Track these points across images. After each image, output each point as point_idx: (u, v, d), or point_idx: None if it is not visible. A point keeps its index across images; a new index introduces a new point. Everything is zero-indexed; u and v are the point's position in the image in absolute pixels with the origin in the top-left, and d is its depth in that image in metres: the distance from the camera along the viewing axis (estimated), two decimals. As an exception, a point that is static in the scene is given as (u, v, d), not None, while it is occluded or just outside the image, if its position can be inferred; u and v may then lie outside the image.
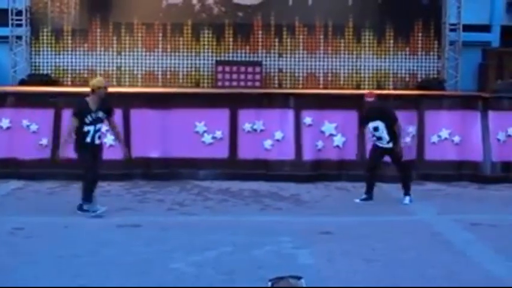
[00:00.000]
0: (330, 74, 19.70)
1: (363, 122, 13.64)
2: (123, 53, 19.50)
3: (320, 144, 15.70)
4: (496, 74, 18.72)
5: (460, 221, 12.13)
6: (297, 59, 19.66)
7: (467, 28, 19.50)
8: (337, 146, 15.70)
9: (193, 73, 19.56)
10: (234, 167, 15.68)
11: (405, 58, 19.73)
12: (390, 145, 13.37)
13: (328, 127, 15.68)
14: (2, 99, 15.81)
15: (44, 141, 15.55)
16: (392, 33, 19.66)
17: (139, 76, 19.39)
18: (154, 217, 12.12)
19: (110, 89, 15.37)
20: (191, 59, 19.57)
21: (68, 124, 12.25)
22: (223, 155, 15.77)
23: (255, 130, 15.78)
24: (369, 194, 13.61)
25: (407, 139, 15.80)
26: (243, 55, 19.62)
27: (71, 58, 19.44)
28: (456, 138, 15.97)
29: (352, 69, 19.71)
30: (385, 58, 19.71)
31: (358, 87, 19.43)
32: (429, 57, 19.79)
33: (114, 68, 19.46)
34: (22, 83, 18.49)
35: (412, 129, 15.88)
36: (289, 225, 11.62)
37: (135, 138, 15.57)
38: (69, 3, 19.41)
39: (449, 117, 16.05)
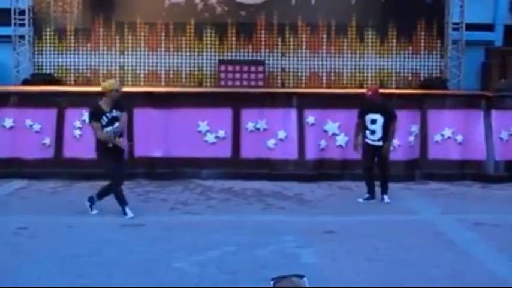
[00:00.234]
0: (332, 73, 19.69)
1: (363, 114, 13.54)
2: (125, 53, 19.51)
3: (323, 143, 15.69)
4: (499, 73, 18.72)
5: (464, 221, 12.11)
6: (299, 58, 19.66)
7: (470, 27, 19.48)
8: (340, 146, 15.68)
9: (196, 72, 19.57)
10: (237, 166, 15.68)
11: (408, 57, 19.72)
12: (381, 143, 13.35)
13: (331, 126, 15.67)
14: (5, 98, 15.81)
15: (47, 141, 15.55)
16: (395, 32, 19.65)
17: (142, 75, 19.39)
18: (157, 217, 12.12)
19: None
20: (194, 59, 19.58)
21: (95, 132, 12.15)
22: (226, 154, 15.77)
23: (258, 129, 15.78)
24: (371, 194, 13.61)
25: (411, 138, 15.80)
26: (246, 54, 19.62)
27: (74, 57, 19.45)
28: (459, 137, 15.96)
29: (355, 68, 19.71)
30: (388, 57, 19.70)
31: (361, 86, 19.40)
32: (432, 56, 19.78)
33: (117, 68, 19.47)
34: (25, 82, 18.51)
35: (415, 129, 15.87)
36: (292, 225, 11.61)
37: (138, 137, 15.56)
38: (71, 3, 19.42)
39: (452, 116, 16.04)
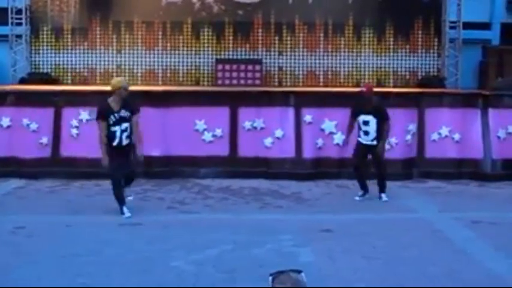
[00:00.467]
0: (330, 72, 19.71)
1: (355, 114, 13.51)
2: (123, 52, 19.51)
3: (320, 142, 15.69)
4: (496, 71, 18.75)
5: (461, 219, 12.13)
6: (297, 57, 19.68)
7: (468, 26, 19.52)
8: (337, 144, 15.66)
9: (193, 71, 19.58)
10: (235, 165, 15.68)
11: (405, 56, 19.75)
12: (375, 142, 13.34)
13: (328, 125, 15.66)
14: (2, 98, 15.79)
15: (44, 140, 15.54)
16: (392, 31, 19.68)
17: (139, 74, 19.40)
18: (155, 216, 12.12)
19: (109, 88, 15.40)
20: (191, 57, 19.59)
21: (98, 131, 12.13)
22: (223, 153, 15.76)
23: (255, 128, 15.78)
24: (365, 189, 13.61)
25: (408, 137, 15.81)
26: (243, 53, 19.63)
27: (71, 57, 19.45)
28: (456, 136, 15.97)
29: (352, 67, 19.73)
30: (385, 56, 19.72)
31: (358, 85, 19.38)
32: (429, 55, 19.80)
33: (114, 67, 19.47)
34: (22, 81, 18.50)
35: (412, 127, 15.88)
36: (289, 223, 11.62)
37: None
38: (69, 2, 19.43)
39: (449, 114, 16.05)
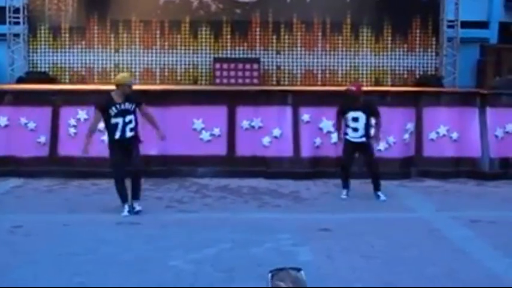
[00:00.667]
0: (328, 71, 19.73)
1: (343, 111, 13.47)
2: (120, 51, 19.52)
3: (318, 141, 15.68)
4: (494, 70, 18.77)
5: (459, 218, 12.12)
6: (295, 56, 19.70)
7: (465, 25, 19.54)
8: (335, 143, 15.64)
9: (191, 70, 19.59)
10: (233, 164, 15.67)
11: (403, 55, 19.78)
12: (364, 139, 13.35)
13: (326, 124, 15.64)
14: (0, 97, 15.77)
15: (42, 139, 15.52)
16: (390, 30, 19.70)
17: (137, 73, 19.41)
18: (153, 215, 12.09)
19: (107, 87, 15.42)
20: (189, 56, 19.60)
21: (91, 120, 12.12)
22: (221, 152, 15.75)
23: (253, 127, 15.77)
24: (348, 187, 13.59)
25: (406, 136, 15.81)
26: (241, 52, 19.65)
27: (69, 56, 19.46)
28: (454, 135, 15.96)
29: (350, 66, 19.75)
30: (383, 55, 19.75)
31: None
32: (427, 53, 19.83)
33: (112, 66, 19.48)
34: (20, 80, 18.51)
35: (410, 126, 15.88)
36: (288, 222, 11.61)
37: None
38: (66, 1, 19.45)
39: (447, 113, 16.04)
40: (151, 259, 9.43)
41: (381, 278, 8.78)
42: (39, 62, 19.43)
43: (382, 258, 9.65)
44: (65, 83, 19.16)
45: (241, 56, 19.58)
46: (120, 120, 11.71)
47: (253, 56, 19.58)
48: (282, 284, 4.34)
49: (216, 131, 15.71)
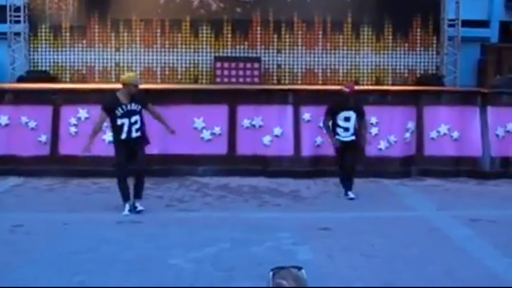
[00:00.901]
0: (328, 70, 19.72)
1: (335, 111, 13.44)
2: (121, 50, 19.52)
3: (319, 140, 15.67)
4: (495, 69, 18.77)
5: (459, 217, 12.11)
6: (295, 55, 19.69)
7: (466, 24, 19.53)
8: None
9: (191, 69, 19.58)
10: (233, 163, 15.67)
11: (404, 54, 19.76)
12: (353, 137, 13.36)
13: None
14: (1, 96, 15.76)
15: (43, 138, 15.52)
16: (391, 29, 19.69)
17: (138, 72, 19.37)
18: (153, 213, 12.09)
19: (109, 86, 15.45)
20: (190, 55, 19.60)
21: (93, 119, 12.15)
22: (222, 151, 15.75)
23: (254, 126, 15.77)
24: (348, 190, 13.58)
25: (407, 134, 15.81)
26: (242, 51, 19.64)
27: (69, 55, 19.46)
28: (455, 134, 15.96)
29: (351, 65, 19.74)
30: (383, 54, 19.74)
31: (357, 83, 19.42)
32: (428, 52, 19.82)
33: (113, 65, 19.48)
34: (20, 79, 18.50)
35: (411, 125, 15.87)
36: (288, 221, 11.61)
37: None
38: (67, 0, 19.43)
39: (448, 112, 16.04)
40: (152, 258, 9.43)
41: (381, 276, 8.77)
42: (39, 60, 19.43)
43: (383, 257, 9.64)
44: (65, 82, 19.16)
45: (242, 55, 19.57)
46: (126, 121, 11.71)
47: (254, 55, 19.57)
48: (284, 282, 4.35)
49: (217, 130, 15.71)
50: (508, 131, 15.95)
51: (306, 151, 15.75)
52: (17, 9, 18.98)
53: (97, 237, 10.47)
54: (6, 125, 15.54)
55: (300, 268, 4.48)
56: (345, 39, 19.72)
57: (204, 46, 19.59)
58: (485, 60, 19.56)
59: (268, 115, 15.77)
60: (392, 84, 19.36)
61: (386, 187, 14.53)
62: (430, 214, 12.52)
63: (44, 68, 19.36)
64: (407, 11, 19.56)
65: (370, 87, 18.29)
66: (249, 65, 19.21)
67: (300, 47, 19.72)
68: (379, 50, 19.75)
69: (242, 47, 19.67)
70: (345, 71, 19.73)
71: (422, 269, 9.12)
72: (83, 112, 15.42)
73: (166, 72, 19.57)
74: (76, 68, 19.47)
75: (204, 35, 19.58)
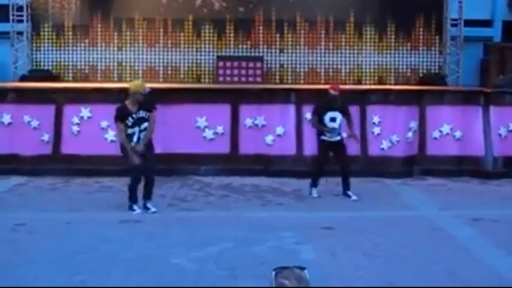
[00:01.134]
0: (331, 70, 19.73)
1: (321, 112, 13.42)
2: (124, 49, 19.53)
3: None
4: (498, 69, 18.75)
5: (462, 217, 12.10)
6: (298, 55, 19.69)
7: (469, 23, 19.52)
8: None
9: (194, 68, 19.59)
10: (236, 163, 15.66)
11: (407, 53, 19.76)
12: (339, 138, 13.37)
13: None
14: (3, 95, 15.78)
15: (45, 137, 15.53)
16: (393, 28, 19.69)
17: (140, 71, 19.41)
18: (155, 213, 12.09)
19: (111, 85, 15.46)
20: (192, 55, 19.60)
21: (117, 133, 12.29)
22: (224, 150, 15.75)
23: (256, 125, 15.76)
24: (316, 186, 13.59)
25: (409, 134, 15.79)
26: (244, 50, 19.64)
27: (72, 54, 19.47)
28: (458, 134, 15.95)
29: (354, 64, 19.74)
30: (386, 53, 19.73)
31: (359, 82, 19.46)
32: (431, 52, 19.81)
33: (115, 64, 19.49)
34: (23, 78, 18.51)
35: (413, 125, 15.86)
36: (291, 221, 11.60)
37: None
38: (69, -1, 19.44)
39: (450, 112, 16.03)
40: (154, 257, 9.43)
41: (383, 276, 8.77)
42: (42, 60, 19.44)
43: (385, 257, 9.64)
44: (68, 81, 19.18)
45: (244, 54, 19.58)
46: (136, 129, 11.90)
47: (257, 54, 19.57)
48: (286, 282, 4.35)
49: (219, 129, 15.71)
50: (510, 131, 15.93)
51: (309, 150, 15.71)
52: (20, 8, 18.99)
53: (99, 237, 10.46)
54: (9, 124, 15.55)
55: (303, 268, 4.48)
56: (348, 38, 19.72)
57: (207, 45, 19.59)
58: (488, 59, 19.54)
59: (271, 114, 15.76)
60: (395, 84, 19.35)
61: (389, 187, 14.51)
62: (433, 214, 12.51)
63: (46, 67, 19.38)
64: (410, 11, 19.56)
65: (373, 87, 18.28)
66: (251, 65, 19.22)
67: (302, 47, 19.71)
68: (381, 49, 19.74)
69: (244, 46, 19.67)
70: (347, 70, 19.72)
71: (425, 268, 9.11)
72: (85, 111, 15.42)
73: (169, 72, 19.58)
74: (78, 67, 19.48)
75: (207, 34, 19.59)
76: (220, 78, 19.07)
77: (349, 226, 11.32)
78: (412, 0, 19.68)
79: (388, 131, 15.74)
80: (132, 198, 12.09)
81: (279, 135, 15.71)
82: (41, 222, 11.33)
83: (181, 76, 19.61)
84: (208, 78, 19.55)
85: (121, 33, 19.51)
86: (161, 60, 19.59)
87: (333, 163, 14.73)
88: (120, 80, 19.08)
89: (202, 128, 15.69)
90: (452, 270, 9.03)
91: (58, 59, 19.46)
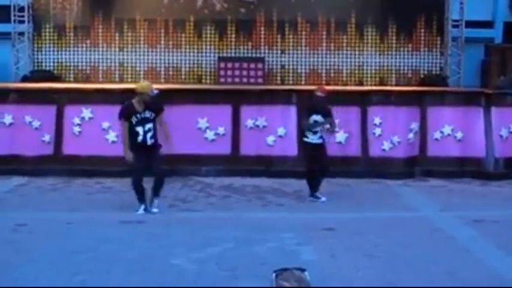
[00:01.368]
0: (332, 71, 19.70)
1: (308, 114, 13.42)
2: (125, 49, 19.52)
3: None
4: (499, 70, 18.72)
5: (463, 218, 12.11)
6: (299, 55, 19.67)
7: (470, 24, 19.49)
8: (340, 142, 15.66)
9: (195, 69, 19.58)
10: (237, 163, 15.67)
11: (408, 54, 19.73)
12: (321, 140, 13.39)
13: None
14: (5, 95, 15.80)
15: (47, 138, 15.54)
16: (394, 29, 19.66)
17: (142, 72, 19.40)
18: (156, 213, 12.10)
19: (112, 85, 15.45)
20: (193, 55, 19.59)
21: (120, 129, 12.37)
22: (225, 151, 15.76)
23: (258, 126, 15.77)
24: (316, 191, 13.56)
25: (410, 135, 15.79)
26: (246, 51, 19.62)
27: (73, 54, 19.46)
28: (459, 135, 15.94)
29: (355, 65, 19.72)
30: (387, 54, 19.71)
31: (360, 83, 19.44)
32: (432, 53, 19.79)
33: (117, 64, 19.48)
34: (24, 79, 18.50)
35: (414, 126, 15.85)
36: (291, 222, 11.61)
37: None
38: (71, 0, 19.42)
39: (451, 113, 16.02)
40: (154, 257, 9.44)
41: (384, 277, 8.77)
42: (43, 60, 19.44)
43: (385, 258, 9.64)
44: (69, 81, 19.17)
45: (245, 55, 19.56)
46: (140, 128, 11.92)
47: (258, 55, 19.56)
48: (287, 284, 4.35)
49: (221, 130, 15.71)
50: (511, 132, 15.92)
51: (310, 151, 15.71)
52: (21, 9, 18.99)
53: (99, 237, 10.47)
54: (10, 124, 15.56)
55: (303, 270, 4.48)
56: (349, 39, 19.70)
57: (208, 46, 19.58)
58: (489, 61, 19.52)
59: (272, 115, 15.76)
60: (396, 85, 19.34)
61: (390, 188, 14.52)
62: (434, 215, 12.51)
63: (47, 68, 19.37)
64: (411, 12, 19.54)
65: (374, 88, 18.27)
66: (252, 65, 19.20)
67: (303, 48, 19.70)
68: (383, 50, 19.72)
69: (246, 47, 19.66)
70: (348, 71, 19.71)
71: (425, 269, 9.12)
72: (86, 112, 15.44)
73: (170, 72, 19.57)
74: (80, 68, 19.48)
75: (208, 35, 19.57)
76: (222, 79, 19.06)
77: (350, 227, 11.32)
78: (414, 1, 19.66)
79: (389, 132, 15.74)
80: (139, 198, 12.11)
81: (280, 136, 15.72)
82: (42, 223, 11.35)
83: (183, 77, 19.60)
84: (209, 79, 19.54)
85: (122, 34, 19.50)
86: (162, 61, 19.58)
87: (338, 163, 14.77)
88: (121, 81, 19.08)
89: (203, 129, 15.69)
90: (452, 271, 9.03)
91: (59, 60, 19.46)
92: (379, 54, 19.71)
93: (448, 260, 9.55)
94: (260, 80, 18.99)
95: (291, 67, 19.68)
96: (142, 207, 12.06)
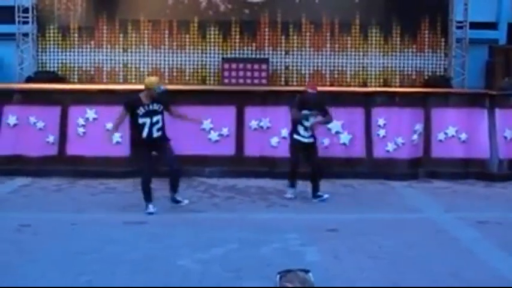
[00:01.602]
0: (336, 72, 19.69)
1: (298, 109, 13.42)
2: (129, 50, 19.51)
3: (326, 141, 15.64)
4: (503, 71, 18.68)
5: (467, 219, 12.10)
6: (303, 56, 19.65)
7: (474, 25, 19.47)
8: (344, 144, 15.67)
9: (199, 70, 19.57)
10: (241, 164, 15.67)
11: (412, 55, 19.71)
12: (312, 140, 13.39)
13: (335, 124, 15.59)
14: (9, 96, 15.82)
15: (51, 138, 15.55)
16: (399, 30, 19.64)
17: (146, 73, 19.37)
18: (160, 214, 12.11)
19: (116, 86, 15.46)
20: (197, 56, 19.58)
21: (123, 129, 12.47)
22: (229, 152, 15.76)
23: (262, 127, 15.77)
24: (295, 187, 13.60)
25: (414, 136, 15.78)
26: (250, 52, 19.61)
27: (78, 55, 19.46)
28: (463, 136, 15.93)
29: (359, 66, 19.69)
30: (391, 55, 19.68)
31: (364, 84, 19.42)
32: (436, 54, 19.76)
33: (121, 65, 19.47)
34: (29, 80, 18.51)
35: (418, 127, 15.84)
36: (295, 223, 11.61)
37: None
38: (75, 1, 19.43)
39: (456, 114, 16.01)
40: (159, 258, 9.45)
41: (387, 278, 8.77)
42: (48, 61, 19.45)
43: (389, 259, 9.65)
44: (73, 82, 19.17)
45: (249, 56, 19.55)
46: (147, 120, 11.92)
47: (262, 56, 19.55)
48: (290, 285, 4.35)
49: (225, 131, 15.72)
50: (516, 133, 15.93)
51: (314, 152, 15.72)
52: (26, 10, 19.00)
53: (104, 238, 10.49)
54: (15, 125, 15.58)
55: (307, 271, 4.48)
56: (353, 40, 19.69)
57: (212, 47, 19.57)
58: (494, 62, 19.49)
59: (276, 116, 15.76)
60: (400, 86, 19.31)
61: (394, 189, 14.51)
62: (437, 216, 12.51)
63: (52, 69, 19.38)
64: (416, 13, 19.51)
65: (378, 89, 18.26)
66: (256, 66, 19.19)
67: (308, 49, 19.69)
68: (387, 51, 19.70)
69: (250, 48, 19.66)
70: (352, 72, 19.69)
71: (429, 270, 9.12)
72: (90, 113, 15.45)
73: (174, 73, 19.56)
74: (84, 69, 19.48)
75: (212, 36, 19.57)
76: (226, 80, 19.05)
77: (354, 228, 11.33)
78: (418, 2, 19.64)
79: (393, 133, 15.74)
80: (146, 198, 12.12)
81: (284, 137, 15.69)
82: (46, 223, 11.36)
83: (187, 78, 19.60)
84: (213, 80, 19.53)
85: (126, 35, 19.50)
86: (166, 62, 19.58)
87: (342, 164, 14.79)
88: (125, 82, 19.09)
89: (207, 130, 15.70)
90: (456, 272, 9.03)
91: (64, 61, 19.46)
92: (383, 56, 19.70)
93: (452, 261, 9.56)
94: (264, 81, 18.98)
95: (295, 68, 19.66)
96: (151, 207, 12.08)
